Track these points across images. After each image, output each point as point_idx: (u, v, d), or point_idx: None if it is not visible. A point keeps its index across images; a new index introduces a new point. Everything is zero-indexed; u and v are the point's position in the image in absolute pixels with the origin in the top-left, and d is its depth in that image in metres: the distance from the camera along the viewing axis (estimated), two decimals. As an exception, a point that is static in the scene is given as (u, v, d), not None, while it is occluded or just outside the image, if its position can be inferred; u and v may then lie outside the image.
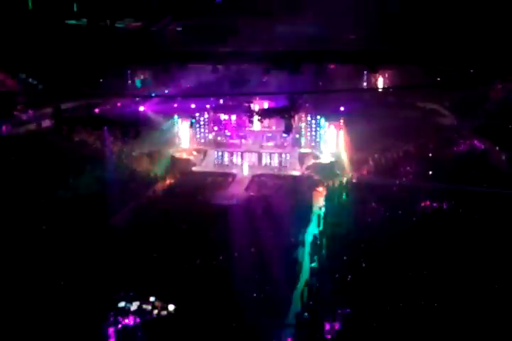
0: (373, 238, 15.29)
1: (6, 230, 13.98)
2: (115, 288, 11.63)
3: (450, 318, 10.72)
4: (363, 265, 13.67)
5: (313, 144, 25.37)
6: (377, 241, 14.98)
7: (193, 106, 25.48)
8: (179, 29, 15.97)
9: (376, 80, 24.13)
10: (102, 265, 13.10)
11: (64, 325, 10.03)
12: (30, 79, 16.36)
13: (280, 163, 25.19)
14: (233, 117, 25.84)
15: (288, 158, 25.17)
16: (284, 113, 19.84)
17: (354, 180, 21.42)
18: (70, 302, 10.87)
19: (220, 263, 13.99)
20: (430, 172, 20.06)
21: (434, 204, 17.94)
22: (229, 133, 26.09)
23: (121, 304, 10.97)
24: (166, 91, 22.57)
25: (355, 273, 13.14)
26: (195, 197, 20.33)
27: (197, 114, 25.79)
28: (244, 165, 24.69)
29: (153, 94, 22.31)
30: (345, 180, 21.71)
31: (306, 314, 11.54)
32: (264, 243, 15.49)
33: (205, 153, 25.87)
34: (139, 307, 10.88)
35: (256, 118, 20.67)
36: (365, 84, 24.37)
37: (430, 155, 21.83)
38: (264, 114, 20.34)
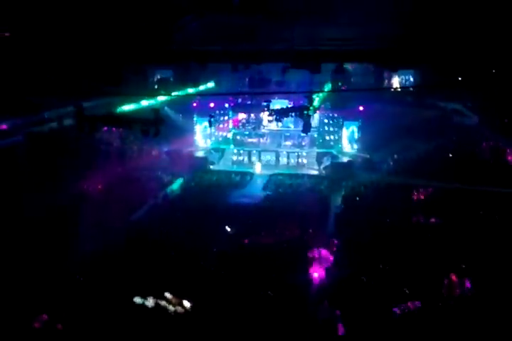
0: (391, 239, 15.20)
1: (26, 224, 14.30)
2: (131, 284, 11.79)
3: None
4: (380, 266, 13.60)
5: (331, 144, 25.27)
6: (394, 242, 14.89)
7: (211, 105, 25.61)
8: (199, 28, 16.06)
9: (394, 79, 23.85)
10: (120, 261, 13.31)
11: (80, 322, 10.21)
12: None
13: (298, 162, 25.19)
14: (252, 116, 25.89)
15: (306, 157, 25.15)
16: (302, 112, 19.83)
17: (372, 180, 21.27)
18: (87, 298, 11.07)
19: (237, 261, 14.05)
20: (450, 173, 19.78)
21: (454, 205, 17.72)
22: (247, 132, 26.15)
23: (138, 300, 11.11)
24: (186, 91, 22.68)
25: (372, 275, 13.07)
26: (213, 195, 20.42)
27: (216, 113, 25.89)
28: (257, 165, 24.72)
29: (172, 93, 22.44)
30: (363, 179, 21.58)
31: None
32: (281, 242, 15.53)
33: (223, 152, 26.00)
34: (155, 303, 11.00)
35: (274, 117, 20.68)
36: (385, 83, 24.13)
37: (451, 155, 21.56)
38: (282, 113, 20.33)
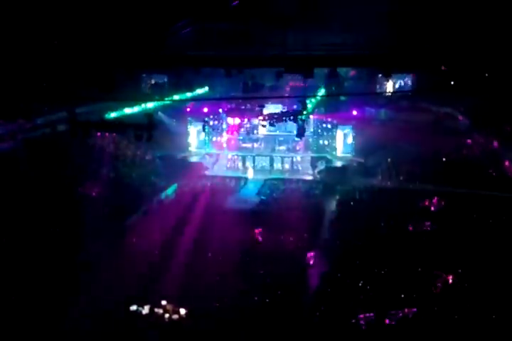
0: (385, 243, 15.20)
1: (19, 232, 14.14)
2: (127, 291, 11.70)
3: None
4: (375, 271, 13.60)
5: (325, 148, 25.30)
6: (388, 247, 14.90)
7: (205, 110, 25.56)
8: (193, 33, 16.05)
9: (388, 84, 23.90)
10: (115, 268, 13.20)
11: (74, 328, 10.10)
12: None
13: (292, 166, 25.18)
14: (245, 121, 25.87)
15: (300, 161, 25.15)
16: (296, 117, 19.84)
17: (366, 185, 21.28)
18: (81, 305, 10.96)
19: (232, 266, 13.98)
20: (444, 177, 19.85)
21: (448, 209, 17.78)
22: (241, 137, 26.12)
23: (133, 307, 11.04)
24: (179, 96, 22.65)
25: (367, 279, 13.07)
26: (208, 200, 20.35)
27: (209, 118, 25.87)
28: (249, 170, 24.68)
29: (165, 98, 22.40)
30: (357, 184, 21.59)
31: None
32: (276, 247, 15.50)
33: (217, 157, 25.95)
34: (151, 310, 10.93)
35: (268, 122, 20.66)
36: (378, 88, 24.16)
37: (444, 159, 21.62)
38: (276, 117, 20.32)
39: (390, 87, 23.52)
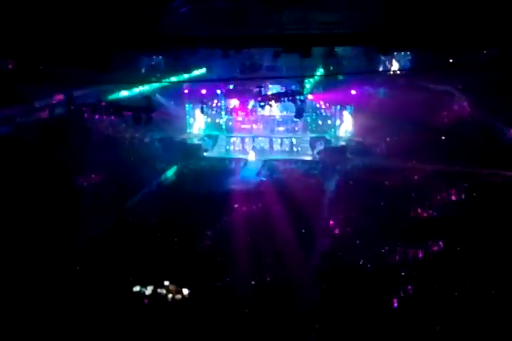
0: (386, 223, 15.31)
1: (18, 216, 14.21)
2: (130, 273, 11.83)
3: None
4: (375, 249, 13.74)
5: (324, 128, 25.24)
6: (388, 226, 15.03)
7: (203, 91, 25.39)
8: (189, 13, 15.85)
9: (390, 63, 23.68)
10: (116, 249, 13.33)
11: (77, 312, 10.22)
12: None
13: (291, 147, 25.18)
14: (244, 102, 25.69)
15: (299, 142, 25.12)
16: (294, 97, 19.74)
17: (365, 164, 21.31)
18: (84, 287, 11.09)
19: (233, 247, 14.11)
20: (443, 156, 19.86)
21: (447, 188, 17.83)
22: (240, 118, 26.01)
23: (136, 288, 11.17)
24: (177, 77, 22.49)
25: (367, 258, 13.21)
26: (207, 182, 20.41)
27: (208, 99, 25.70)
28: (250, 152, 24.67)
29: (163, 80, 22.23)
30: (356, 164, 21.62)
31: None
32: (276, 227, 15.60)
33: (216, 139, 25.90)
34: (154, 291, 11.06)
35: (267, 102, 20.55)
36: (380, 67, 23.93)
37: (443, 138, 21.59)
38: (274, 98, 20.21)
39: (395, 66, 23.30)
